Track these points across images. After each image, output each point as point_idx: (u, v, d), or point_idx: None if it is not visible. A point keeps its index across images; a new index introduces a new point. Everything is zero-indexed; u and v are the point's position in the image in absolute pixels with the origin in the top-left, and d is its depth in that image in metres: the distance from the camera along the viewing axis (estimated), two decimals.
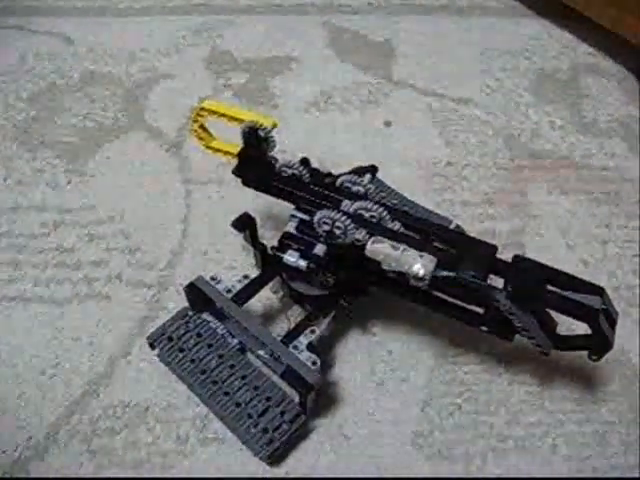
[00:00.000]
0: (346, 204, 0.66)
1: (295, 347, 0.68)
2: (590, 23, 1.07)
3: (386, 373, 0.74)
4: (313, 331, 0.69)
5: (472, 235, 0.69)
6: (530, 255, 0.83)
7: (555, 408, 0.72)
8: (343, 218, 0.63)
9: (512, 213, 0.89)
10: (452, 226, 0.81)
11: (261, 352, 0.70)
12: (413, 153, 0.95)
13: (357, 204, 0.65)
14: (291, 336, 0.69)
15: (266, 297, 0.79)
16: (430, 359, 0.75)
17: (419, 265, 0.59)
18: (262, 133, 0.72)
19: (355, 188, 0.70)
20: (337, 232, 0.64)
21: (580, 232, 0.88)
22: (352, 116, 1.00)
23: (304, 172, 0.71)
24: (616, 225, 0.88)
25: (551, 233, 0.88)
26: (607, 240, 0.87)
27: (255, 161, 0.73)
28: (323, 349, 0.74)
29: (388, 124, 0.99)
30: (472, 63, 1.09)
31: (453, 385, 0.74)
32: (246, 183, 0.76)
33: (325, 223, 0.65)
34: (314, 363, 0.66)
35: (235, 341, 0.73)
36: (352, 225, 0.63)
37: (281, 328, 0.76)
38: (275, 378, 0.70)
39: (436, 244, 0.64)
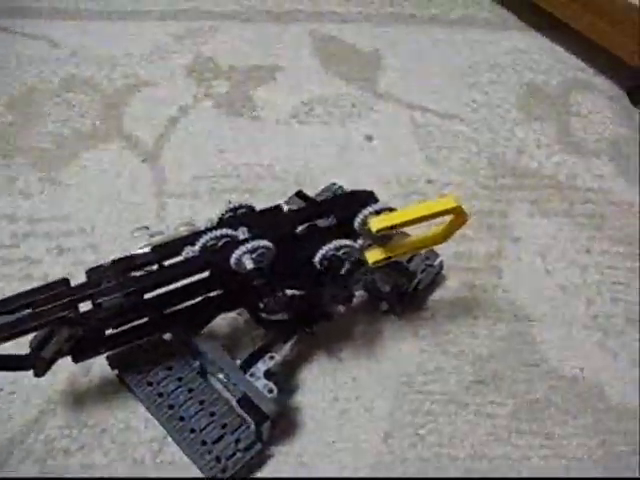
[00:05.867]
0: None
1: (252, 374, 0.66)
2: (582, 38, 1.04)
3: (350, 401, 0.72)
4: (272, 357, 0.67)
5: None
6: (506, 280, 0.83)
7: (522, 442, 0.70)
8: None
9: (490, 235, 0.87)
10: (437, 261, 0.79)
11: (221, 376, 0.69)
12: (392, 169, 0.93)
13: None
14: (249, 362, 0.67)
15: (232, 317, 0.77)
16: (396, 387, 0.73)
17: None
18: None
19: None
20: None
21: (560, 256, 0.85)
22: (333, 129, 0.98)
23: None
24: (598, 250, 0.86)
25: (530, 257, 0.85)
26: (587, 265, 0.85)
27: None
28: (286, 373, 0.72)
29: (369, 138, 0.97)
30: (460, 76, 1.07)
31: (418, 415, 0.72)
32: None
33: None
34: (270, 391, 0.65)
35: (197, 363, 0.71)
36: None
37: (247, 351, 0.74)
38: (235, 403, 0.69)
39: None
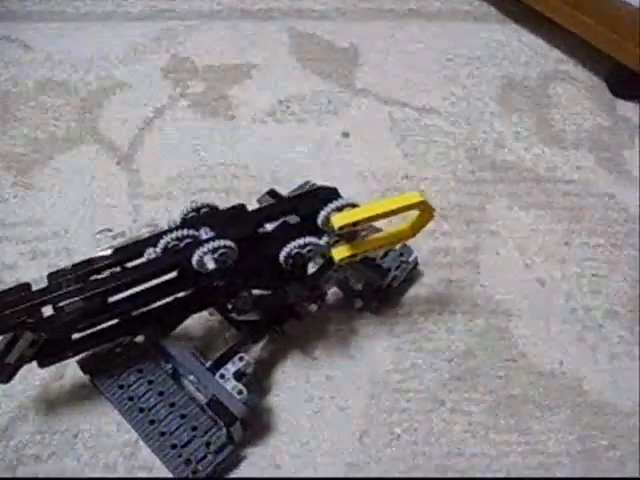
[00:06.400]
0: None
1: (222, 375, 0.65)
2: (561, 29, 1.03)
3: (324, 400, 0.71)
4: (242, 358, 0.66)
5: None
6: (484, 275, 0.82)
7: (499, 439, 0.69)
8: None
9: (468, 229, 0.86)
10: (412, 257, 0.78)
11: (192, 378, 0.68)
12: (369, 165, 0.92)
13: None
14: (219, 363, 0.66)
15: (206, 318, 0.76)
16: (371, 385, 0.72)
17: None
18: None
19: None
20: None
21: (539, 250, 0.84)
22: (309, 126, 0.97)
23: None
24: (577, 243, 0.85)
25: (508, 251, 0.84)
26: (566, 258, 0.83)
27: None
28: (259, 374, 0.71)
29: (346, 135, 0.96)
30: (439, 70, 1.06)
31: (393, 414, 0.71)
32: None
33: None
34: (240, 392, 0.64)
35: (169, 365, 0.70)
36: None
37: (220, 352, 0.73)
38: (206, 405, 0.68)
39: None
